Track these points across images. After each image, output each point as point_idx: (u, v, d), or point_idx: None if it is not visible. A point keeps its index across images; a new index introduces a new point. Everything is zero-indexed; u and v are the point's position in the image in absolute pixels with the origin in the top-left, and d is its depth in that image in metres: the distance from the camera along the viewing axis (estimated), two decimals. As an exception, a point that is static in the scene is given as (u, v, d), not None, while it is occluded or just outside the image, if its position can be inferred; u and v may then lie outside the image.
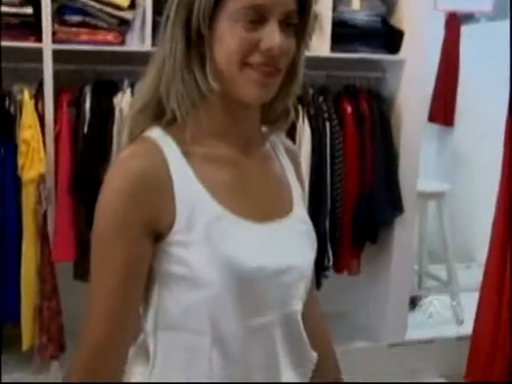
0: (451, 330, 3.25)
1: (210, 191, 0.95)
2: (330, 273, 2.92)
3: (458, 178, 4.02)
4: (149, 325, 0.99)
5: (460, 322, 3.33)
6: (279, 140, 1.13)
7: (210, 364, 0.95)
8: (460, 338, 3.10)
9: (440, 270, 3.56)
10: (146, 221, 0.91)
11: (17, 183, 2.49)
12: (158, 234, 0.93)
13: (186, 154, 0.96)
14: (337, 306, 3.12)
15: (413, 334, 3.13)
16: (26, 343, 2.56)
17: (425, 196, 3.24)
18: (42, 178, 2.47)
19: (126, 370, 0.99)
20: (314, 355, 1.12)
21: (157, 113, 0.98)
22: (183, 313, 0.95)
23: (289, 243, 1.02)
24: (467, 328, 3.02)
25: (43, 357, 2.57)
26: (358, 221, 2.84)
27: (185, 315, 0.95)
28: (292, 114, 1.06)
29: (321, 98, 2.82)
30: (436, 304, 3.43)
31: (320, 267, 2.79)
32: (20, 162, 2.45)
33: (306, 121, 2.76)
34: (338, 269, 2.92)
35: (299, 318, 1.05)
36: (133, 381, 0.99)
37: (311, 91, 2.82)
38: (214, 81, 0.93)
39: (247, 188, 1.00)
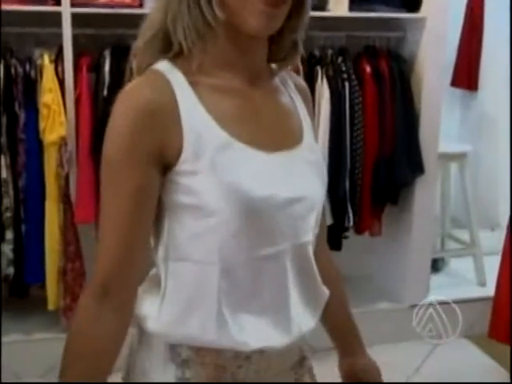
0: (474, 292, 3.24)
1: (217, 120, 0.95)
2: (352, 235, 2.93)
3: (482, 141, 3.96)
4: (159, 257, 1.01)
5: (482, 284, 3.32)
6: (289, 77, 1.12)
7: (219, 295, 0.96)
8: (482, 300, 3.09)
9: (463, 234, 3.54)
10: (153, 148, 0.92)
11: (39, 148, 2.54)
12: (166, 165, 0.94)
13: (193, 84, 0.96)
14: (359, 269, 3.13)
15: (435, 296, 3.12)
16: (51, 304, 2.62)
17: (447, 157, 3.21)
18: (63, 141, 2.51)
19: (137, 303, 1.02)
20: (326, 292, 1.12)
21: (164, 46, 0.99)
22: (192, 243, 0.96)
23: (299, 173, 1.02)
24: (490, 290, 3.01)
25: (68, 317, 2.63)
26: (378, 182, 2.83)
27: (193, 245, 0.96)
28: (301, 49, 1.05)
29: (340, 59, 2.80)
30: (458, 266, 3.41)
31: (340, 228, 2.80)
32: (41, 125, 2.49)
33: (325, 82, 2.74)
34: (359, 230, 2.93)
35: (310, 250, 1.05)
36: (143, 312, 1.01)
37: (330, 52, 2.80)
38: (219, 11, 0.94)
39: (255, 118, 1.00)
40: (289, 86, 1.11)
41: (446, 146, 3.13)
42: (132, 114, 0.92)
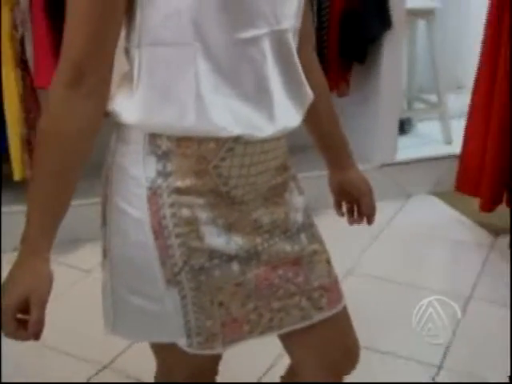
0: (440, 150, 3.27)
1: None
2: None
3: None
4: (132, 44, 0.95)
5: (449, 142, 3.35)
6: None
7: (197, 77, 0.92)
8: (449, 157, 3.13)
9: (430, 97, 3.53)
10: None
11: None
12: None
13: None
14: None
15: (403, 155, 3.15)
16: (17, 174, 2.55)
17: (414, 13, 3.14)
18: (15, 1, 2.36)
19: (111, 99, 0.97)
20: (310, 93, 1.09)
21: None
22: (166, 24, 0.91)
23: None
24: (456, 149, 3.04)
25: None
26: (346, 37, 2.76)
27: (167, 27, 0.91)
28: None
29: None
30: (425, 126, 3.42)
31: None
32: (-10, -16, 2.33)
33: None
34: (327, 91, 2.88)
35: (291, 40, 1.01)
36: (117, 106, 0.97)
37: None
38: None
39: None
40: None
41: (414, 1, 3.06)
42: None
